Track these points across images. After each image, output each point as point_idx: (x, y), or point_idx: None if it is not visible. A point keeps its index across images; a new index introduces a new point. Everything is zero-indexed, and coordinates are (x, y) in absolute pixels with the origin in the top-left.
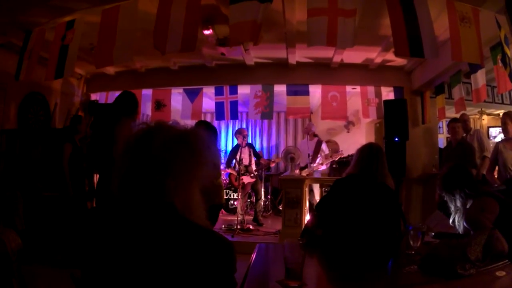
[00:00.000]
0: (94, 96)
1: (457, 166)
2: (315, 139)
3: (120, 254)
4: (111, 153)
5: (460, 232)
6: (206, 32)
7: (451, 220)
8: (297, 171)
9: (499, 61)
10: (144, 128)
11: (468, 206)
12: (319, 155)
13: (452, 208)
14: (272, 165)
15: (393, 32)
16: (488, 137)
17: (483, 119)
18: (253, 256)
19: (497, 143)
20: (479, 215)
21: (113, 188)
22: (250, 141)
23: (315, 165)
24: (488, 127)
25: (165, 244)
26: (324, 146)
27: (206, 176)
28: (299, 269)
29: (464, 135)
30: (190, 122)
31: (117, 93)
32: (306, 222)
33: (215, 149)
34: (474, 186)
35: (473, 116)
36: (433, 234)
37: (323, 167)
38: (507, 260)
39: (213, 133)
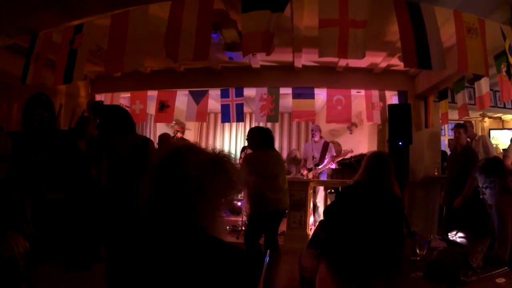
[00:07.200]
0: (99, 97)
1: (499, 160)
2: (322, 140)
3: (147, 269)
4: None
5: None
6: (214, 35)
7: (481, 195)
8: (305, 172)
9: (503, 70)
10: (173, 150)
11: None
12: (326, 157)
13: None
14: None
15: (402, 44)
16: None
17: (485, 122)
18: (265, 263)
19: None
20: (508, 211)
21: (141, 203)
22: None
23: (321, 166)
24: (490, 130)
25: (193, 261)
26: (331, 148)
27: (233, 198)
28: (314, 276)
29: (469, 140)
30: (194, 123)
31: (123, 94)
32: (313, 228)
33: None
34: (505, 182)
35: (475, 118)
36: (439, 237)
37: (331, 166)
38: (506, 267)
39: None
